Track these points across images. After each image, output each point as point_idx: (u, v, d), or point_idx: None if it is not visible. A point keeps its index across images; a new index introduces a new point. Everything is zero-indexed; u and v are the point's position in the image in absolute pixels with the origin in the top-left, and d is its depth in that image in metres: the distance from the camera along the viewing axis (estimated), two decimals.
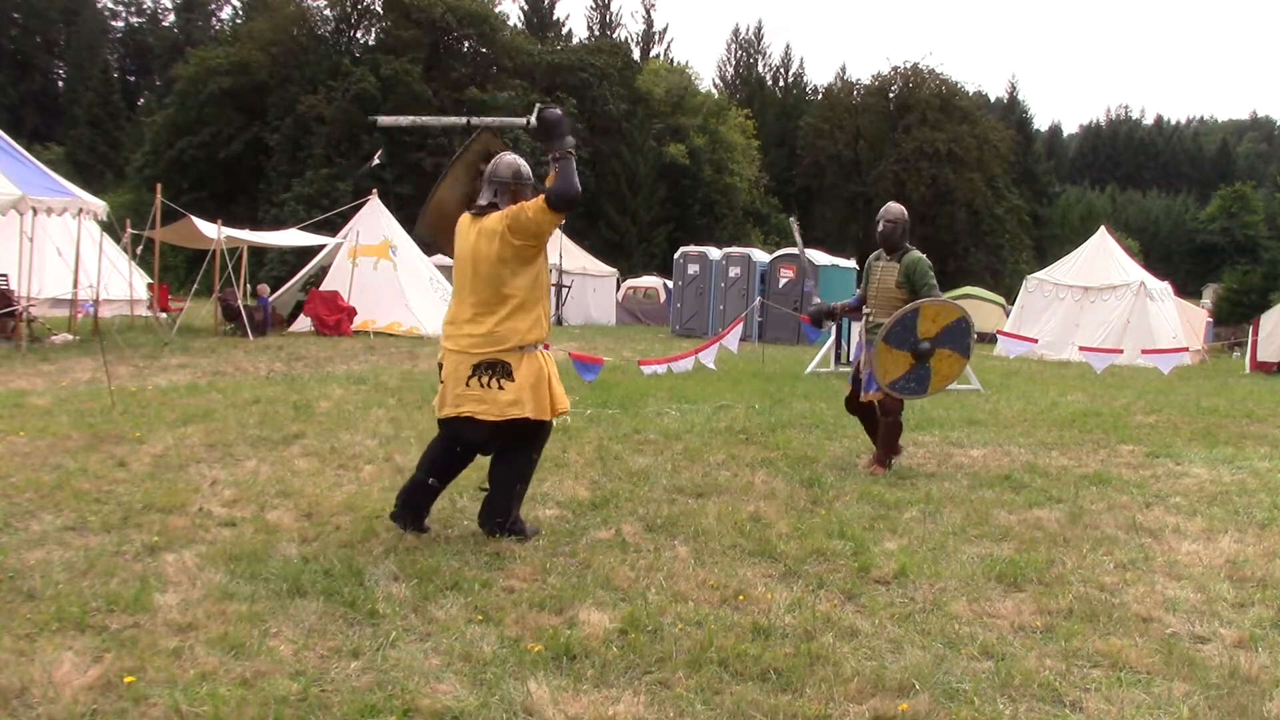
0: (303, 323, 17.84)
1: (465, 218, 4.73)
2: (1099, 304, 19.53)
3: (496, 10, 43.25)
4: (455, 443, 4.70)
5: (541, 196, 4.43)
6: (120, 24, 66.68)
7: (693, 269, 23.79)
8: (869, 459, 6.77)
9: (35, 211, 12.88)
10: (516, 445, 4.66)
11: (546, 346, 4.71)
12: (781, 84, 64.18)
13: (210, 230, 16.70)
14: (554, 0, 52.75)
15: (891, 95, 53.78)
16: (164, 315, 17.21)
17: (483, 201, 4.68)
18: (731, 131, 47.44)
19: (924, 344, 6.33)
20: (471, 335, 4.55)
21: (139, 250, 17.98)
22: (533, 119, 4.58)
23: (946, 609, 3.85)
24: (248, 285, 17.82)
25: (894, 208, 6.84)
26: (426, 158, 36.91)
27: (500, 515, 4.64)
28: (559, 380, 4.73)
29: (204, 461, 6.15)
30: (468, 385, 4.52)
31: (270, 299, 18.22)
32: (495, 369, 4.49)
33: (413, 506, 4.69)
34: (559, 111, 4.58)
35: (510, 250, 4.49)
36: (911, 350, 6.33)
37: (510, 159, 4.74)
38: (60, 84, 62.72)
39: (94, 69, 55.30)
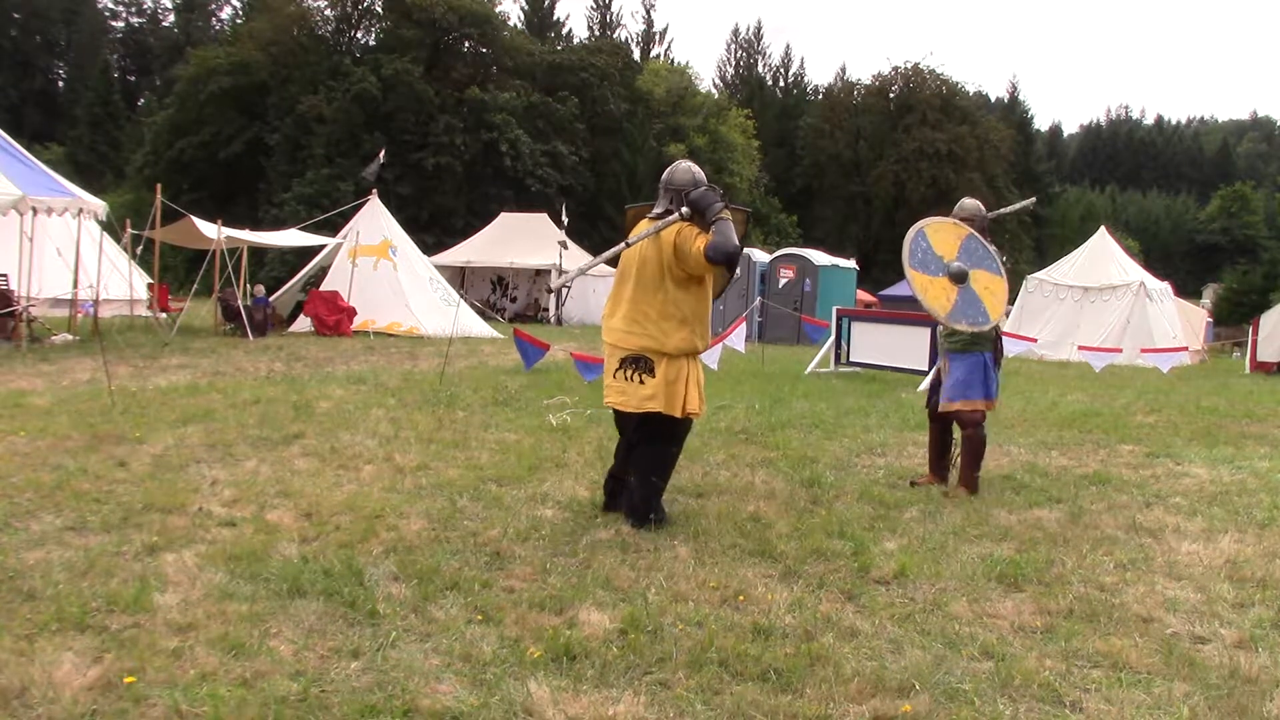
0: (303, 323, 17.82)
1: (643, 222, 4.93)
2: (1099, 304, 19.56)
3: (496, 10, 43.25)
4: (624, 433, 5.03)
5: (704, 244, 4.60)
6: (120, 24, 66.71)
7: None
8: (954, 482, 6.10)
9: (35, 211, 12.89)
10: (654, 439, 4.90)
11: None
12: (781, 84, 64.21)
13: (210, 230, 16.69)
14: (554, 0, 52.82)
15: (892, 95, 53.77)
16: (164, 315, 17.20)
17: (658, 209, 4.88)
18: (732, 131, 47.41)
19: (954, 264, 6.02)
20: (620, 331, 4.84)
21: (139, 250, 17.98)
22: (684, 211, 4.72)
23: (946, 609, 3.85)
24: (247, 285, 17.83)
25: (968, 203, 6.64)
26: (428, 157, 36.96)
27: (642, 506, 4.86)
28: (699, 385, 4.94)
29: (204, 461, 6.15)
30: (614, 377, 4.85)
31: (269, 300, 18.21)
32: (639, 364, 4.78)
33: (615, 495, 5.10)
34: (700, 189, 4.74)
35: (670, 261, 4.72)
36: (946, 274, 5.98)
37: (686, 166, 4.94)
38: (60, 84, 62.78)
39: (94, 69, 55.35)
